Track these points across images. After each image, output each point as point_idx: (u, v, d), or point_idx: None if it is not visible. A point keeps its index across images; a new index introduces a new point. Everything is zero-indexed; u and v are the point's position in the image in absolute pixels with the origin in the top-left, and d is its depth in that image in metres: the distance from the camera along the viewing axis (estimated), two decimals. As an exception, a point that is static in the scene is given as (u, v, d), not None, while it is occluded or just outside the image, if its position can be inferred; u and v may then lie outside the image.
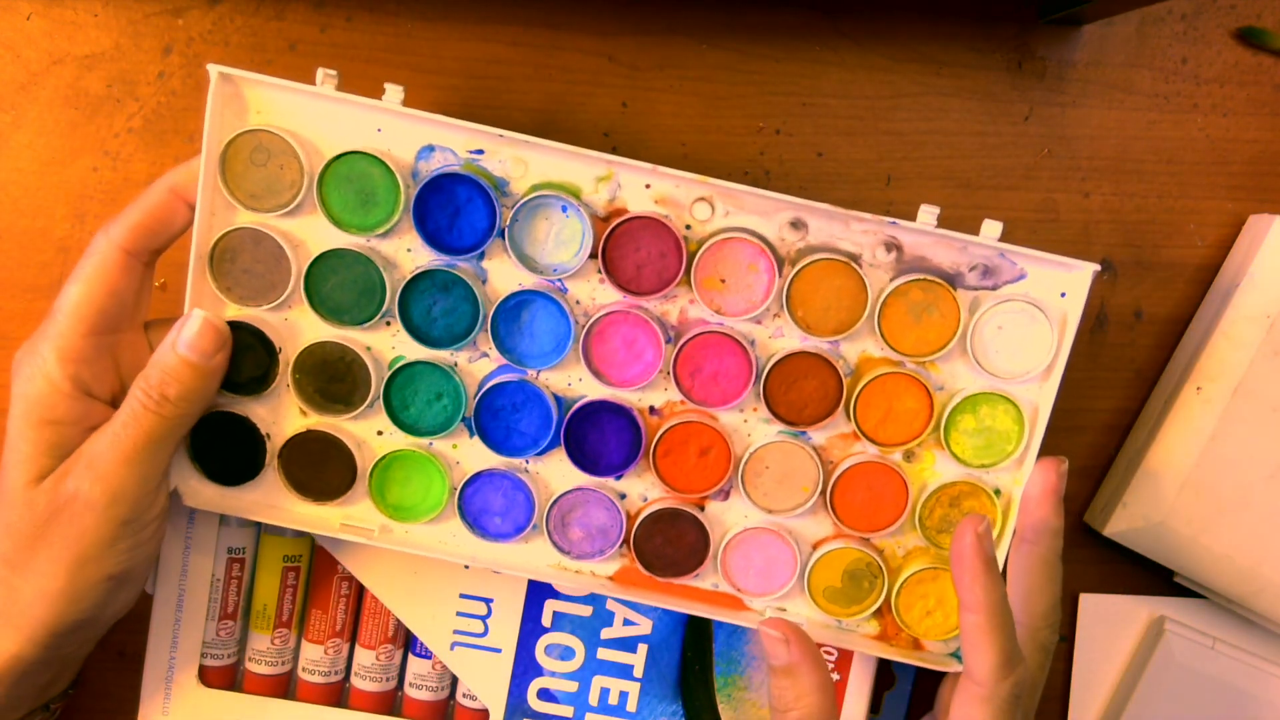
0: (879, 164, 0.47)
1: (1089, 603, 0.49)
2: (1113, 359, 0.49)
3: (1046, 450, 0.48)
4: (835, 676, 0.47)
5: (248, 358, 0.41)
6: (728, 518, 0.43)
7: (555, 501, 0.43)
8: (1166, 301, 0.48)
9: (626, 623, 0.47)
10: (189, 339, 0.39)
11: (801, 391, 0.41)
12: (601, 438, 0.42)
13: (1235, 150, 0.48)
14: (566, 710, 0.47)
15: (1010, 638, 0.37)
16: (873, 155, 0.47)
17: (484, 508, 0.43)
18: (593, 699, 0.47)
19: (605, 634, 0.47)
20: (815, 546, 0.43)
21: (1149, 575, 0.49)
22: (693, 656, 0.47)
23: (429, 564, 0.46)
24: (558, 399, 0.42)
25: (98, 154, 0.46)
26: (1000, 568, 0.42)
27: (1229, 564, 0.46)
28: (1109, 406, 0.49)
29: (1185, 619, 0.49)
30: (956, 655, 0.43)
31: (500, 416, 0.42)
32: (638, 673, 0.47)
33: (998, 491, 0.42)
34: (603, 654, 0.47)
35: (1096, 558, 0.49)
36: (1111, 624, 0.49)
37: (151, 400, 0.38)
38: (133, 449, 0.38)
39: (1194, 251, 0.48)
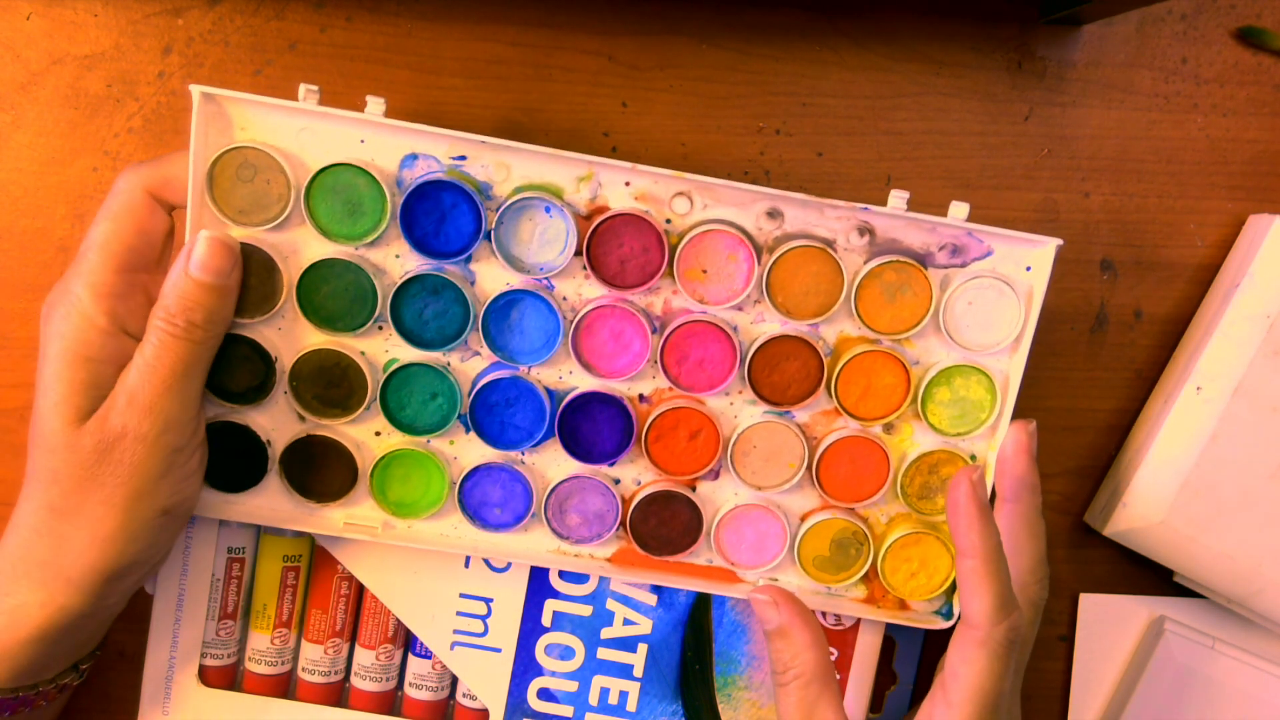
0: (879, 164, 0.47)
1: (1089, 603, 0.50)
2: (1113, 359, 0.49)
3: (1037, 440, 0.48)
4: (836, 676, 0.47)
5: (244, 368, 0.41)
6: (719, 496, 0.44)
7: (552, 490, 0.43)
8: (1166, 301, 0.48)
9: (626, 622, 0.47)
10: (201, 259, 0.38)
11: (784, 373, 0.42)
12: (594, 427, 0.43)
13: (1235, 150, 0.48)
14: (566, 710, 0.47)
15: (1005, 583, 0.38)
16: (873, 155, 0.47)
17: (483, 500, 0.44)
18: (593, 699, 0.47)
19: (605, 634, 0.47)
20: (803, 519, 0.44)
21: (1149, 575, 0.49)
22: (693, 656, 0.47)
23: (429, 563, 0.46)
24: (550, 392, 0.43)
25: (98, 154, 0.46)
26: None
27: (1229, 564, 0.46)
28: (1109, 406, 0.49)
29: (1185, 619, 0.49)
30: (941, 613, 0.45)
31: (495, 412, 0.42)
32: (638, 673, 0.47)
33: (974, 457, 0.44)
34: (603, 654, 0.47)
35: (1096, 558, 0.49)
36: (1111, 624, 0.50)
37: (178, 328, 0.38)
38: (171, 377, 0.38)
39: (1194, 251, 0.48)
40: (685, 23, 0.46)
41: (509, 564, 0.46)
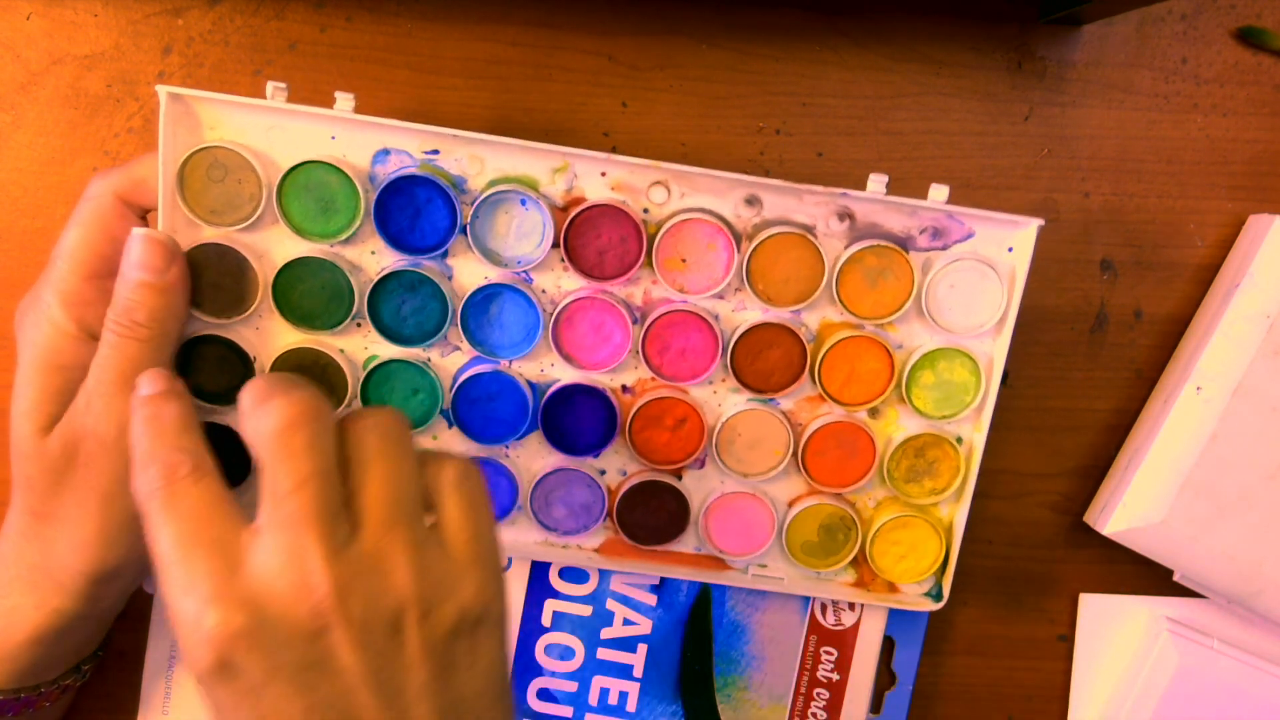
0: (879, 164, 0.47)
1: (1089, 603, 0.49)
2: (1113, 359, 0.49)
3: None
4: (835, 677, 0.47)
5: (224, 369, 0.41)
6: (705, 485, 0.44)
7: (537, 483, 0.43)
8: (1166, 301, 0.48)
9: (626, 622, 0.47)
10: (137, 259, 0.38)
11: (767, 361, 0.42)
12: (577, 419, 0.43)
13: (1235, 150, 0.48)
14: (566, 710, 0.47)
15: None
16: (873, 155, 0.47)
17: None
18: (592, 699, 0.47)
19: (605, 634, 0.47)
20: (790, 505, 0.44)
21: (1149, 575, 0.49)
22: (692, 656, 0.47)
23: (429, 564, 0.46)
24: (532, 385, 0.43)
25: (98, 154, 0.46)
26: (964, 516, 0.44)
27: (1229, 564, 0.45)
28: (1109, 406, 0.49)
29: (1185, 619, 0.49)
30: (931, 594, 0.46)
31: (477, 406, 0.42)
32: (637, 673, 0.47)
33: (959, 440, 0.43)
34: (602, 654, 0.47)
35: (1096, 558, 0.49)
36: (1111, 624, 0.49)
37: (124, 327, 0.37)
38: (121, 377, 0.37)
39: (1194, 251, 0.48)
40: (685, 23, 0.46)
41: (509, 562, 0.46)
